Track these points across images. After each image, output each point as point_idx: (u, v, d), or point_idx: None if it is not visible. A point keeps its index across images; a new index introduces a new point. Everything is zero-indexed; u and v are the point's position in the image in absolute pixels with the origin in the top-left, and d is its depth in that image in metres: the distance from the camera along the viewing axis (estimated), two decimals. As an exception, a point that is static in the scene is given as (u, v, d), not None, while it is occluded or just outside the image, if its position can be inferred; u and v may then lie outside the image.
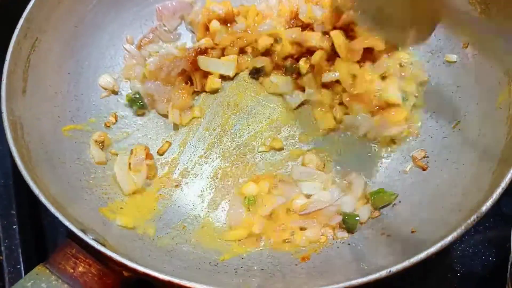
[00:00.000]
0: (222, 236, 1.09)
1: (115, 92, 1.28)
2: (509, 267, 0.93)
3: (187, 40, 1.37)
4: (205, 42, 1.24)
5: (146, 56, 1.32)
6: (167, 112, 1.24)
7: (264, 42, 1.20)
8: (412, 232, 0.98)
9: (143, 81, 1.26)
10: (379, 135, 1.15)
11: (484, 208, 0.80)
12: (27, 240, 1.16)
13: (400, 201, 1.09)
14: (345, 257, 1.01)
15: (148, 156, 1.18)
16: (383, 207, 1.10)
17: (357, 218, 1.07)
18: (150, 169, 1.17)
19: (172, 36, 1.37)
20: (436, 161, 1.10)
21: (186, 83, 1.25)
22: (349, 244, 1.05)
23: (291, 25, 1.23)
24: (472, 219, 0.80)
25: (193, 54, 1.20)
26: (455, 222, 0.85)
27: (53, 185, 0.98)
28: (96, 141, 1.17)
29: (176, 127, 1.25)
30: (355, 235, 1.06)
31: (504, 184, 0.82)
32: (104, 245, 0.88)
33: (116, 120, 1.24)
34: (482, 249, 1.16)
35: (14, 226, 1.15)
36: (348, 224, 1.06)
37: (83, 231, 0.87)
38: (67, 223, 0.84)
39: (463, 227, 0.80)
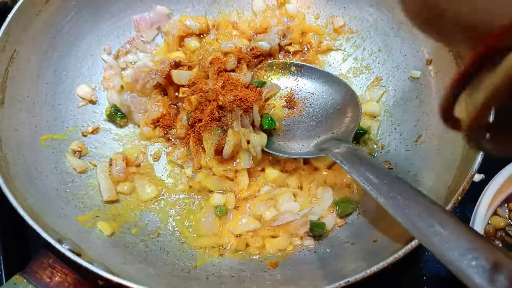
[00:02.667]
0: (193, 243, 1.13)
1: (92, 102, 1.31)
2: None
3: (162, 47, 1.41)
4: (178, 57, 1.28)
5: (124, 66, 1.36)
6: (144, 122, 1.28)
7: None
8: (374, 241, 1.04)
9: (120, 92, 1.30)
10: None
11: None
12: (9, 246, 1.19)
13: (364, 211, 1.15)
14: (311, 264, 1.07)
15: (129, 163, 1.23)
16: (348, 215, 1.16)
17: (325, 226, 1.12)
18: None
19: (149, 47, 1.40)
20: (399, 173, 1.16)
21: (162, 95, 1.28)
22: (315, 252, 1.10)
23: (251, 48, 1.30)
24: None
25: (167, 69, 1.24)
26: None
27: (30, 195, 1.01)
28: (73, 151, 1.20)
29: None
30: (322, 243, 1.12)
31: (454, 200, 0.89)
32: (79, 255, 0.91)
33: (94, 131, 1.27)
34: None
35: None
36: (316, 232, 1.12)
37: (59, 241, 0.91)
38: (43, 234, 0.87)
39: (415, 242, 0.86)
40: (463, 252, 0.71)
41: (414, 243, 0.86)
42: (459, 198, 0.89)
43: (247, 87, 1.24)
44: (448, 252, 0.73)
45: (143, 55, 1.39)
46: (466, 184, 0.90)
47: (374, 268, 0.86)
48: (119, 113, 1.28)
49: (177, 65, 1.28)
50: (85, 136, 1.26)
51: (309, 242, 1.12)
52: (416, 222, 0.80)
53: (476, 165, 0.91)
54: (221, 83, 1.21)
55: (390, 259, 0.85)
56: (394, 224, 1.02)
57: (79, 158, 1.21)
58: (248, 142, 1.15)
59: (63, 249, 0.86)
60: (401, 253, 0.86)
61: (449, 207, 0.88)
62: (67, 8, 1.27)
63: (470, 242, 0.72)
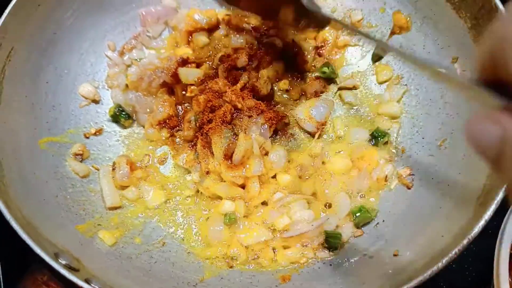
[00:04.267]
0: (200, 253, 1.07)
1: (95, 101, 1.24)
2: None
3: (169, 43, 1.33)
4: (186, 53, 1.20)
5: (129, 63, 1.28)
6: (150, 123, 1.21)
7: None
8: (395, 255, 0.96)
9: (125, 91, 1.23)
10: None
11: (465, 242, 0.79)
12: (6, 255, 1.11)
13: (383, 220, 1.07)
14: (326, 279, 1.00)
15: (134, 167, 1.16)
16: (365, 224, 1.08)
17: (341, 237, 1.05)
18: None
19: (155, 43, 1.32)
20: (421, 179, 1.08)
21: (169, 94, 1.21)
22: (331, 264, 1.03)
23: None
24: (450, 255, 0.79)
25: (174, 66, 1.16)
26: (437, 250, 0.84)
27: (26, 204, 0.95)
28: (75, 154, 1.14)
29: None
30: (337, 255, 1.04)
31: (487, 216, 0.80)
32: (77, 270, 0.86)
33: (97, 132, 1.20)
34: (465, 264, 1.14)
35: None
36: (331, 243, 1.04)
37: (56, 254, 0.86)
38: (38, 250, 0.81)
39: (444, 260, 0.78)
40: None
41: (444, 262, 0.78)
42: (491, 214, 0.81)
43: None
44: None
45: (149, 52, 1.31)
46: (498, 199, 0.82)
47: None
48: (123, 113, 1.21)
49: (184, 62, 1.20)
50: (88, 137, 1.19)
51: (324, 254, 1.04)
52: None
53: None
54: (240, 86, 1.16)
55: (414, 282, 0.78)
56: (417, 235, 0.97)
57: (81, 161, 1.15)
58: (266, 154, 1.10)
59: (58, 266, 0.80)
60: (427, 275, 0.78)
61: (479, 226, 0.80)
62: (68, 2, 1.19)
63: None
